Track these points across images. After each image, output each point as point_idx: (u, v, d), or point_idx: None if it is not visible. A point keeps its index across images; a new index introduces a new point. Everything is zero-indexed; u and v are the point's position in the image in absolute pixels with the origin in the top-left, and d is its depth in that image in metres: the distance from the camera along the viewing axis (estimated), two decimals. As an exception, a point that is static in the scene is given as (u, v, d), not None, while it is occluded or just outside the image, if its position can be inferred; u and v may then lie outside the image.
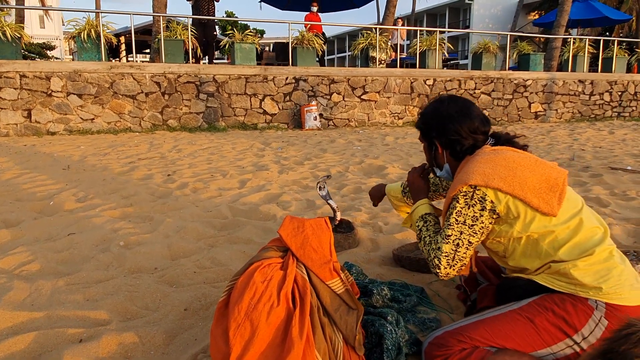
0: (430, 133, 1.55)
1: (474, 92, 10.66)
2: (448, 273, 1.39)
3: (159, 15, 9.20)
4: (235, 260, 2.31)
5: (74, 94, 7.81)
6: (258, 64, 9.44)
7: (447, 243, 1.37)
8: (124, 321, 1.74)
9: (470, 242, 1.37)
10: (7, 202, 3.39)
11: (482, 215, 1.34)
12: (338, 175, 4.57)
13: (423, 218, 1.54)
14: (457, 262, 1.37)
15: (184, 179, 4.24)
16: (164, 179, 4.28)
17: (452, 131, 1.48)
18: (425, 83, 10.26)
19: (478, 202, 1.34)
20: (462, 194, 1.36)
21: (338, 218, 1.80)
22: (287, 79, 9.17)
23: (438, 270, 1.38)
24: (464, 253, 1.37)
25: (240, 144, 6.83)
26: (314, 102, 9.25)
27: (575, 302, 1.23)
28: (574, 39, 12.36)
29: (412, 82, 10.15)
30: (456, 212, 1.36)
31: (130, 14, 8.64)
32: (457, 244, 1.36)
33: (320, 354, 1.21)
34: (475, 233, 1.36)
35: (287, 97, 9.23)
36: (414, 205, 1.62)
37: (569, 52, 12.00)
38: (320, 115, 9.37)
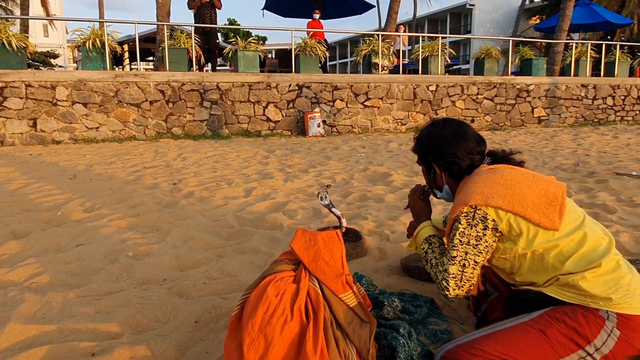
0: (427, 157, 1.58)
1: (477, 98, 10.68)
2: (457, 294, 1.40)
3: (163, 24, 9.27)
4: (244, 271, 2.31)
5: (79, 102, 7.86)
6: (261, 71, 9.48)
7: (453, 264, 1.38)
8: (135, 334, 1.74)
9: (476, 262, 1.38)
10: (15, 213, 3.41)
11: (485, 235, 1.36)
12: (343, 182, 4.58)
13: (427, 240, 1.56)
14: (465, 282, 1.38)
15: (190, 188, 4.25)
16: (170, 188, 4.30)
17: (449, 153, 1.51)
18: (428, 89, 10.28)
19: (480, 221, 1.36)
20: (463, 214, 1.38)
21: (344, 225, 1.81)
22: (290, 86, 9.21)
23: (447, 292, 1.39)
24: (471, 273, 1.38)
25: (244, 151, 6.86)
26: (317, 109, 9.27)
27: (586, 313, 1.24)
28: (576, 43, 12.37)
29: (414, 88, 10.18)
30: (459, 233, 1.38)
31: (134, 23, 8.71)
32: (464, 265, 1.37)
33: (334, 369, 1.21)
34: (480, 252, 1.37)
35: (291, 104, 9.26)
36: (418, 227, 1.64)
37: (572, 56, 12.01)
38: (324, 122, 9.40)
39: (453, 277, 1.38)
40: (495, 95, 10.86)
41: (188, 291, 2.08)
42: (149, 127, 8.35)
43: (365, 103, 9.82)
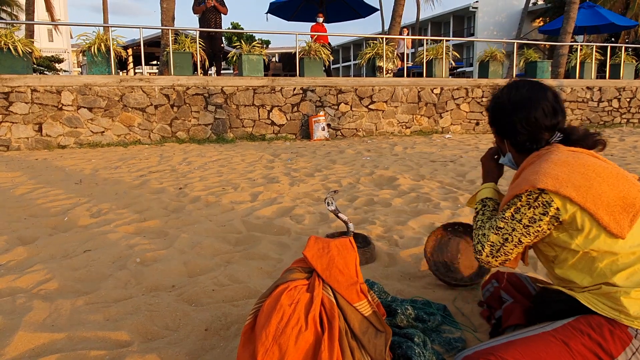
0: (491, 120, 1.51)
1: (482, 101, 10.64)
2: (489, 262, 1.35)
3: (168, 29, 9.30)
4: (253, 278, 2.29)
5: (85, 107, 7.88)
6: (265, 75, 9.49)
7: (495, 234, 1.33)
8: (145, 342, 1.72)
9: (520, 241, 1.31)
10: (22, 218, 3.40)
11: (541, 220, 1.27)
12: (349, 187, 4.55)
13: (483, 202, 1.50)
14: (500, 255, 1.33)
15: (196, 193, 4.24)
16: (176, 192, 4.29)
17: (507, 123, 1.43)
18: (433, 92, 10.26)
19: (541, 205, 1.27)
20: (526, 193, 1.29)
21: (352, 229, 1.79)
22: (294, 89, 9.21)
23: (479, 256, 1.35)
24: (511, 249, 1.32)
25: (249, 155, 6.85)
26: (321, 113, 9.27)
27: (613, 329, 1.19)
28: (581, 45, 12.33)
29: (419, 91, 10.15)
30: (515, 209, 1.31)
31: (139, 27, 8.74)
32: (506, 239, 1.32)
33: (350, 380, 1.19)
34: (529, 234, 1.30)
35: (295, 108, 9.26)
36: (480, 187, 1.58)
37: (576, 58, 11.96)
38: (328, 125, 9.38)
39: (490, 245, 1.33)
40: (500, 98, 10.81)
41: (197, 298, 2.06)
42: (153, 131, 8.36)
43: (369, 106, 9.81)
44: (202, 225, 3.20)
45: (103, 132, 8.03)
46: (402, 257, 2.58)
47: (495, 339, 1.34)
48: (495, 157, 1.64)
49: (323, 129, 9.09)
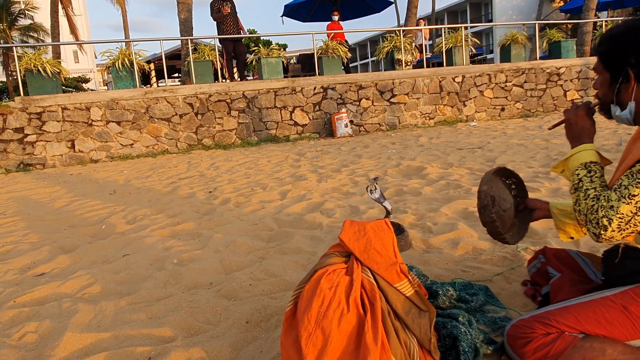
0: (626, 58, 1.22)
1: (506, 85, 10.40)
2: (612, 237, 1.16)
3: (187, 39, 9.46)
4: (289, 271, 2.30)
5: (113, 121, 8.10)
6: (285, 77, 9.53)
7: (627, 204, 1.13)
8: (189, 337, 1.75)
9: None
10: (62, 229, 3.51)
11: None
12: (377, 179, 4.52)
13: (587, 167, 1.28)
14: (630, 226, 1.14)
15: (226, 195, 4.29)
16: (206, 196, 4.35)
17: (633, 52, 1.19)
18: (454, 80, 10.09)
19: None
20: None
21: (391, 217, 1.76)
22: (315, 89, 9.22)
23: (603, 232, 1.15)
24: None
25: (275, 156, 6.89)
26: (343, 110, 9.24)
27: None
28: (606, 21, 11.90)
29: (440, 81, 10.00)
30: None
31: (160, 40, 8.92)
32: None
33: None
34: None
35: (317, 107, 9.27)
36: (575, 149, 1.35)
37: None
38: (351, 122, 9.35)
39: (620, 218, 1.13)
40: (525, 82, 10.56)
41: (236, 293, 2.08)
42: (180, 140, 8.51)
43: (391, 100, 9.72)
44: (234, 225, 3.23)
45: (132, 144, 8.23)
46: (437, 242, 2.54)
47: (550, 305, 1.29)
48: (588, 113, 1.41)
49: (346, 126, 9.06)
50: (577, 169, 1.29)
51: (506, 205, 1.71)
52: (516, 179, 1.80)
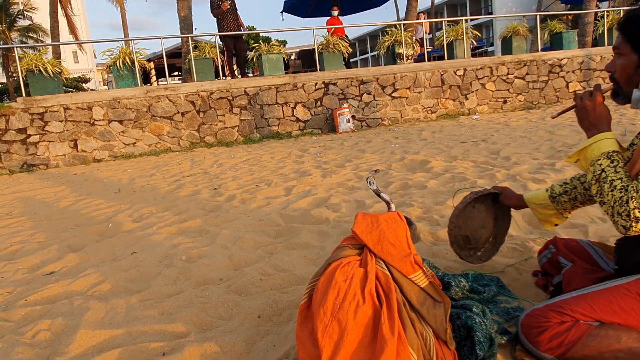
0: (633, 37, 1.18)
1: (507, 78, 10.37)
2: None
3: (187, 36, 9.44)
4: (298, 266, 2.30)
5: (115, 120, 8.10)
6: (286, 73, 9.51)
7: None
8: (202, 332, 1.75)
9: None
10: (69, 228, 3.52)
11: None
12: (382, 173, 4.52)
13: (609, 156, 1.21)
14: None
15: (231, 192, 4.29)
16: (211, 193, 4.35)
17: None
18: (456, 74, 10.06)
19: None
20: None
21: (393, 209, 1.76)
22: (316, 84, 9.20)
23: (634, 224, 1.09)
24: None
25: (278, 152, 6.89)
26: (345, 105, 9.23)
27: None
28: (607, 11, 11.84)
29: (442, 75, 9.98)
30: None
31: (160, 38, 8.91)
32: None
33: (414, 351, 1.17)
34: None
35: (318, 103, 9.25)
36: (594, 137, 1.27)
37: (604, 25, 11.50)
38: (353, 117, 9.34)
39: None
40: (527, 74, 10.52)
41: (246, 288, 2.09)
42: (182, 138, 8.51)
43: (392, 94, 9.70)
44: (241, 221, 3.23)
45: (134, 143, 8.23)
46: (445, 235, 2.53)
47: (564, 294, 1.29)
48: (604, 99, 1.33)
49: (348, 121, 9.05)
50: (598, 159, 1.24)
51: (480, 232, 1.95)
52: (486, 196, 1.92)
